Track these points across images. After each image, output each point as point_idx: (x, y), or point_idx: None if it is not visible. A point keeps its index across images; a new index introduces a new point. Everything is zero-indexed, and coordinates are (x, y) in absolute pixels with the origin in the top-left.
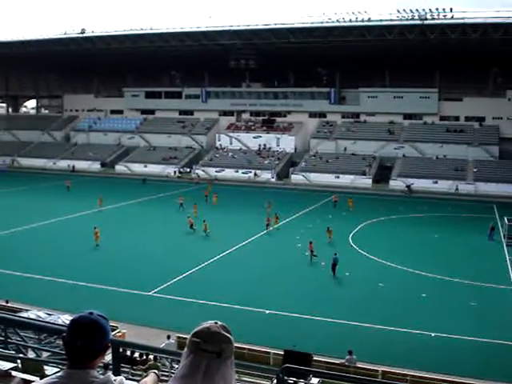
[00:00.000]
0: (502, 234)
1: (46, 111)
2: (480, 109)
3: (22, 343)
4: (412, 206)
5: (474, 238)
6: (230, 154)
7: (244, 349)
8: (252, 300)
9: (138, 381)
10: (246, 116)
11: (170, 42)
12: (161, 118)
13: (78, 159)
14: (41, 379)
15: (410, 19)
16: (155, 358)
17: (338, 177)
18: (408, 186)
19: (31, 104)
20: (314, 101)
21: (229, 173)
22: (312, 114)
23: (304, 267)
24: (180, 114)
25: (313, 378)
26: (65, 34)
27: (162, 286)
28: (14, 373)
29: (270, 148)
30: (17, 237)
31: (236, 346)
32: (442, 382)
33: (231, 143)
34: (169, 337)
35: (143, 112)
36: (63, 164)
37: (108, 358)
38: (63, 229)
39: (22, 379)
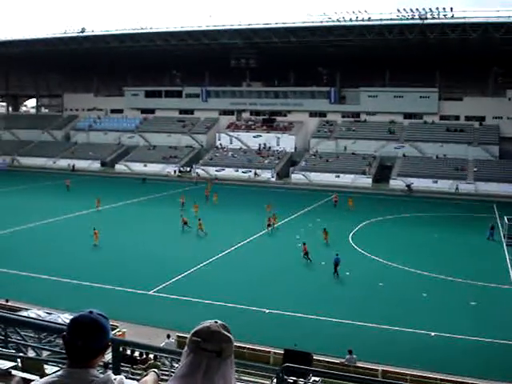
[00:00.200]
0: (502, 234)
1: (46, 110)
2: (480, 108)
3: (22, 342)
4: (412, 205)
5: (474, 237)
6: (230, 153)
7: (244, 348)
8: (252, 299)
9: (138, 380)
10: (246, 115)
11: (170, 41)
12: (161, 117)
13: (78, 158)
14: (41, 378)
15: (410, 19)
16: (155, 357)
17: (338, 176)
18: (408, 186)
19: (31, 103)
20: (314, 100)
21: (229, 172)
22: (312, 114)
23: (304, 267)
24: (180, 113)
25: (313, 378)
26: (65, 33)
27: (161, 286)
28: (14, 372)
29: (270, 147)
30: (16, 236)
31: (236, 345)
32: (442, 382)
33: (231, 142)
34: (169, 336)
35: (143, 111)
36: (63, 163)
37: (108, 357)
38: (63, 228)
39: (22, 378)
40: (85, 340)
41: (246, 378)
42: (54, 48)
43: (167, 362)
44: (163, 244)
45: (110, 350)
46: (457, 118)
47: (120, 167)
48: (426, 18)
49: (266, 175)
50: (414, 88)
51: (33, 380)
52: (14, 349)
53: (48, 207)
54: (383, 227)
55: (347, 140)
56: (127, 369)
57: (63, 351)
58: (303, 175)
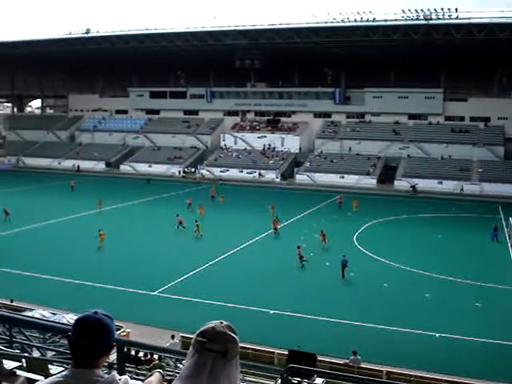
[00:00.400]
0: (506, 235)
1: (51, 111)
2: (485, 109)
3: (27, 342)
4: (417, 206)
5: (478, 238)
6: (235, 153)
7: (248, 349)
8: (256, 300)
9: (142, 380)
10: (250, 116)
11: (174, 42)
12: (165, 117)
13: (83, 159)
14: (45, 378)
15: (415, 19)
16: (160, 358)
17: (343, 177)
18: (413, 187)
19: (36, 104)
20: (318, 101)
21: (233, 173)
22: (317, 114)
23: (309, 267)
24: (185, 113)
25: (317, 378)
26: (70, 33)
27: (166, 286)
28: (18, 372)
29: (274, 148)
30: (21, 236)
31: (240, 346)
32: (446, 383)
33: (236, 143)
34: (173, 336)
35: (148, 112)
36: (68, 164)
37: (112, 357)
38: (67, 229)
39: (27, 378)
40: (90, 340)
41: (250, 379)
42: (59, 49)
43: (171, 363)
44: (168, 245)
45: (114, 350)
46: (462, 118)
47: (125, 168)
48: (431, 19)
49: (271, 176)
50: (419, 89)
51: (37, 380)
52: (18, 349)
53: (52, 208)
54: (388, 228)
55: (352, 141)
56: (132, 369)
57: (68, 351)
58: (308, 176)
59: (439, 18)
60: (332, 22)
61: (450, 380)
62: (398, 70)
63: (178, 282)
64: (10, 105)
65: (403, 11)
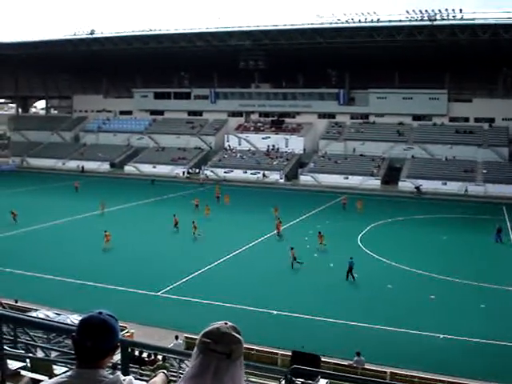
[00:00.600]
0: (511, 236)
1: (56, 112)
2: (490, 110)
3: (31, 343)
4: (421, 207)
5: (482, 239)
6: (239, 154)
7: (252, 349)
8: (260, 301)
9: (146, 381)
10: (254, 117)
11: (179, 43)
12: (170, 118)
13: (87, 160)
14: (49, 379)
15: (420, 20)
16: (164, 359)
17: (347, 178)
18: (417, 188)
19: (41, 105)
20: (322, 102)
21: (237, 173)
22: (321, 115)
23: (312, 268)
24: (189, 114)
25: (321, 380)
26: (74, 34)
27: (170, 287)
28: (23, 372)
29: (278, 149)
30: (25, 237)
31: (244, 347)
32: None
33: (240, 144)
34: (177, 337)
35: (152, 113)
36: (72, 164)
37: (116, 357)
38: (71, 229)
39: (31, 378)
40: (94, 341)
41: (253, 380)
42: (64, 50)
43: (175, 363)
44: (171, 245)
45: (118, 350)
46: (466, 119)
47: (129, 168)
48: (436, 20)
49: (275, 177)
50: (423, 89)
51: (42, 380)
52: (23, 349)
53: (57, 208)
54: (392, 229)
55: (356, 141)
56: (135, 370)
57: (72, 352)
58: (312, 177)
59: (443, 19)
60: (336, 23)
61: (454, 381)
62: (402, 70)
63: (181, 283)
64: (14, 105)
65: (407, 12)
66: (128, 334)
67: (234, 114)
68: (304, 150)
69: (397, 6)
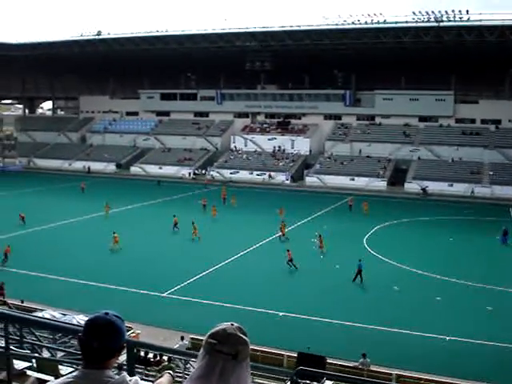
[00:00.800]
0: None
1: (62, 112)
2: (496, 111)
3: (37, 343)
4: (427, 208)
5: (489, 241)
6: (245, 155)
7: (257, 351)
8: (265, 302)
9: (152, 381)
10: (260, 118)
11: (185, 44)
12: (176, 119)
13: (94, 160)
14: (55, 379)
15: (426, 21)
16: (169, 359)
17: (353, 179)
18: (423, 189)
19: (47, 105)
20: (329, 103)
21: (243, 175)
22: (327, 116)
23: (318, 269)
24: (195, 115)
25: (326, 381)
26: (81, 35)
27: (176, 287)
28: (29, 372)
29: (284, 150)
30: (32, 237)
31: (250, 348)
32: None
33: (246, 145)
34: (182, 338)
35: (158, 114)
36: (79, 165)
37: (122, 358)
38: (77, 230)
39: (37, 378)
40: (101, 341)
41: (259, 381)
42: (71, 51)
43: (181, 364)
44: (177, 246)
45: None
46: (472, 121)
47: (135, 169)
48: (442, 21)
49: (281, 178)
50: (430, 91)
51: (48, 380)
52: (29, 349)
53: (63, 209)
54: (398, 230)
55: (362, 143)
56: (141, 370)
57: (78, 352)
58: (318, 178)
59: (450, 20)
60: (342, 24)
61: None
62: (408, 72)
63: (187, 284)
64: (21, 106)
65: (414, 13)
66: (134, 335)
67: (240, 115)
68: (310, 151)
69: (403, 8)
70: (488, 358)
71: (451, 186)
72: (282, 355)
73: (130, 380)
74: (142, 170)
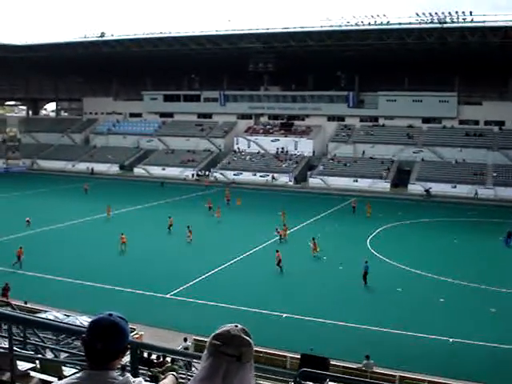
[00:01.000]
0: None
1: (66, 114)
2: (500, 113)
3: (41, 344)
4: (431, 210)
5: (492, 243)
6: (248, 157)
7: (260, 352)
8: (269, 303)
9: (155, 383)
10: (264, 119)
11: (189, 46)
12: (179, 121)
13: (97, 162)
14: (59, 380)
15: (430, 22)
16: (173, 360)
17: (356, 181)
18: (427, 191)
19: (51, 107)
20: (332, 104)
21: (247, 176)
22: (330, 118)
23: (321, 271)
24: (198, 117)
25: (329, 383)
26: (85, 37)
27: (179, 289)
28: (32, 373)
29: (287, 151)
30: (35, 238)
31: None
32: None
33: (249, 146)
34: (186, 339)
35: (162, 115)
36: (82, 166)
37: (125, 359)
38: (81, 231)
39: (41, 379)
40: (104, 342)
41: (262, 382)
42: (74, 52)
43: (184, 366)
44: (180, 247)
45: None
46: (476, 122)
47: (138, 171)
48: (445, 22)
49: (284, 179)
50: (433, 92)
51: (51, 382)
52: (32, 350)
53: (66, 210)
54: (401, 232)
55: (365, 144)
56: (144, 371)
57: (81, 353)
58: (321, 179)
59: (453, 22)
60: (346, 26)
61: None
62: (411, 73)
63: (191, 285)
64: (24, 108)
65: (417, 14)
66: (137, 336)
67: (243, 116)
68: (313, 152)
69: (406, 9)
70: (491, 359)
71: (455, 187)
72: (285, 357)
73: (133, 381)
74: (146, 172)
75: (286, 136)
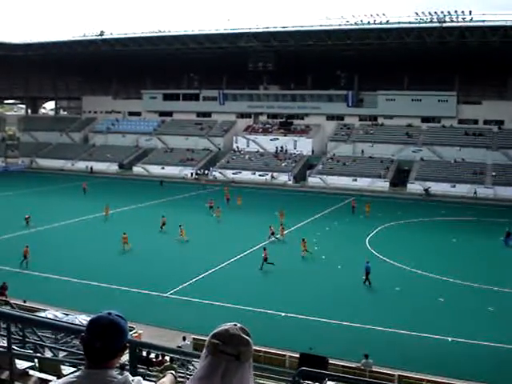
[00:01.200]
0: None
1: (65, 113)
2: (499, 112)
3: (40, 343)
4: (430, 209)
5: (491, 242)
6: (247, 156)
7: (260, 351)
8: (268, 302)
9: (154, 382)
10: (263, 118)
11: (188, 45)
12: (178, 119)
13: (96, 160)
14: (57, 379)
15: (429, 22)
16: (171, 359)
17: (356, 180)
18: (426, 190)
19: (50, 105)
20: (331, 103)
21: (246, 175)
22: (329, 117)
23: (320, 270)
24: (198, 116)
25: (328, 382)
26: (84, 36)
27: (178, 288)
28: (31, 372)
29: (287, 150)
30: (34, 237)
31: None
32: None
33: (248, 145)
34: (184, 338)
35: (161, 114)
36: (81, 165)
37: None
38: (79, 230)
39: (39, 378)
40: (103, 341)
41: (261, 382)
42: (73, 51)
43: (183, 364)
44: (179, 246)
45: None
46: (475, 121)
47: (138, 169)
48: (445, 22)
49: (283, 178)
50: (432, 91)
51: (50, 380)
52: (31, 349)
53: (65, 209)
54: (400, 231)
55: (365, 143)
56: (143, 370)
57: (80, 352)
58: (320, 178)
59: (453, 21)
60: (345, 25)
61: None
62: (411, 72)
63: (189, 284)
64: (24, 106)
65: (417, 14)
66: (136, 335)
67: (242, 115)
68: (312, 151)
69: (406, 8)
70: (490, 359)
71: (454, 186)
72: (284, 356)
73: (132, 380)
74: (145, 170)
75: (285, 135)
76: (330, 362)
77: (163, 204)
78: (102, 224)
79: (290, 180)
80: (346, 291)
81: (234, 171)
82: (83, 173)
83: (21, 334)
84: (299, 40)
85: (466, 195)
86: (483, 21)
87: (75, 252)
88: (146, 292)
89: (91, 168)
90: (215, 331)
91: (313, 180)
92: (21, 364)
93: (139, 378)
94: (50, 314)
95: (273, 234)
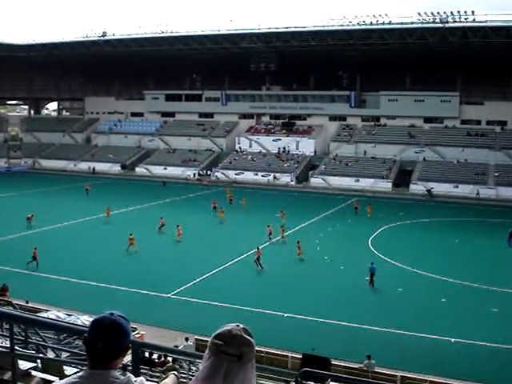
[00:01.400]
0: None
1: (68, 113)
2: (502, 112)
3: (42, 343)
4: (432, 210)
5: (494, 243)
6: (250, 156)
7: (262, 352)
8: (270, 303)
9: (157, 382)
10: (265, 119)
11: (190, 45)
12: (181, 120)
13: (99, 161)
14: (60, 379)
15: (432, 22)
16: (174, 360)
17: (358, 180)
18: (428, 190)
19: (53, 106)
20: (334, 104)
21: (248, 176)
22: (332, 117)
23: (323, 271)
24: (200, 116)
25: (331, 383)
26: (86, 36)
27: (180, 288)
28: (33, 372)
29: (289, 151)
30: (36, 238)
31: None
32: None
33: (251, 146)
34: (187, 339)
35: (163, 114)
36: (84, 166)
37: (127, 359)
38: (82, 231)
39: (42, 379)
40: (106, 341)
41: (263, 382)
42: (76, 51)
43: (185, 365)
44: (182, 247)
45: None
46: (478, 122)
47: (140, 170)
48: (447, 22)
49: (286, 179)
50: (435, 92)
51: (52, 381)
52: (33, 349)
53: (67, 210)
54: (403, 232)
55: (367, 144)
56: (145, 371)
57: (82, 352)
58: (322, 179)
59: (455, 21)
60: (348, 25)
61: None
62: (413, 73)
63: (192, 285)
64: (26, 107)
65: (419, 14)
66: (138, 336)
67: (244, 116)
68: (315, 152)
69: (408, 9)
70: (493, 359)
71: (456, 187)
72: (287, 356)
73: (135, 381)
74: (147, 171)
75: (287, 136)
76: (333, 362)
77: (166, 205)
78: (105, 225)
79: (292, 181)
80: (348, 292)
81: (237, 172)
82: (86, 173)
83: (23, 334)
84: (301, 40)
85: (468, 196)
86: (486, 21)
87: (78, 252)
88: (149, 292)
89: (94, 169)
90: (217, 332)
91: (315, 181)
92: (23, 364)
93: (142, 378)
94: (53, 314)
95: (270, 233)
